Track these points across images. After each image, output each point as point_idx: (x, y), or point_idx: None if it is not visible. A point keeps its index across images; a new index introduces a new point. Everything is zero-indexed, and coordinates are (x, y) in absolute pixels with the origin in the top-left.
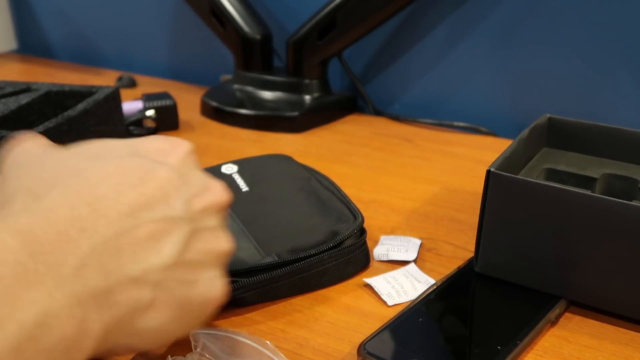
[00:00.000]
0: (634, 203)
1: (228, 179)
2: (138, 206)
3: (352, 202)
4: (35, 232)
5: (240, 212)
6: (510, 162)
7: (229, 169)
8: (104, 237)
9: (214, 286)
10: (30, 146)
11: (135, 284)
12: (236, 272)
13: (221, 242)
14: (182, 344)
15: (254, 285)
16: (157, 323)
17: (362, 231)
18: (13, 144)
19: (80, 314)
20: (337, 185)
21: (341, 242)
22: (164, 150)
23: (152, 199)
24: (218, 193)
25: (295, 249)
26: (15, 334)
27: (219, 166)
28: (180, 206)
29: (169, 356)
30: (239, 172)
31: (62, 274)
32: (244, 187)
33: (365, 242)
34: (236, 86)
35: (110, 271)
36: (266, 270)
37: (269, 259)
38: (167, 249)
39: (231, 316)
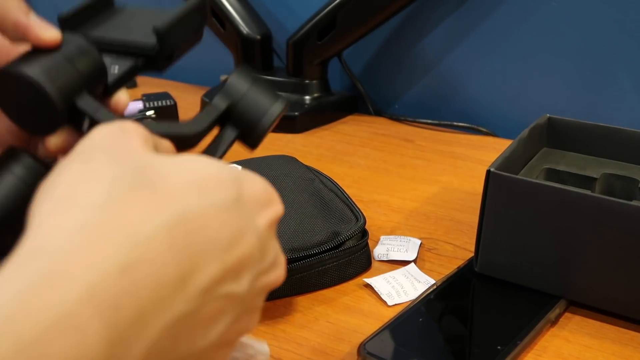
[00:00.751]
0: (634, 203)
1: None
2: (218, 279)
3: (355, 204)
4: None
5: None
6: (510, 162)
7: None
8: (181, 312)
9: None
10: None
11: None
12: None
13: (252, 324)
14: None
15: None
16: None
17: (364, 233)
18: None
19: None
20: (340, 187)
21: (342, 243)
22: (262, 204)
23: (230, 271)
24: (280, 273)
25: (296, 249)
26: None
27: None
28: (246, 284)
29: None
30: None
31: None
32: None
33: (367, 245)
34: None
35: (177, 351)
36: None
37: None
38: (214, 331)
39: None
